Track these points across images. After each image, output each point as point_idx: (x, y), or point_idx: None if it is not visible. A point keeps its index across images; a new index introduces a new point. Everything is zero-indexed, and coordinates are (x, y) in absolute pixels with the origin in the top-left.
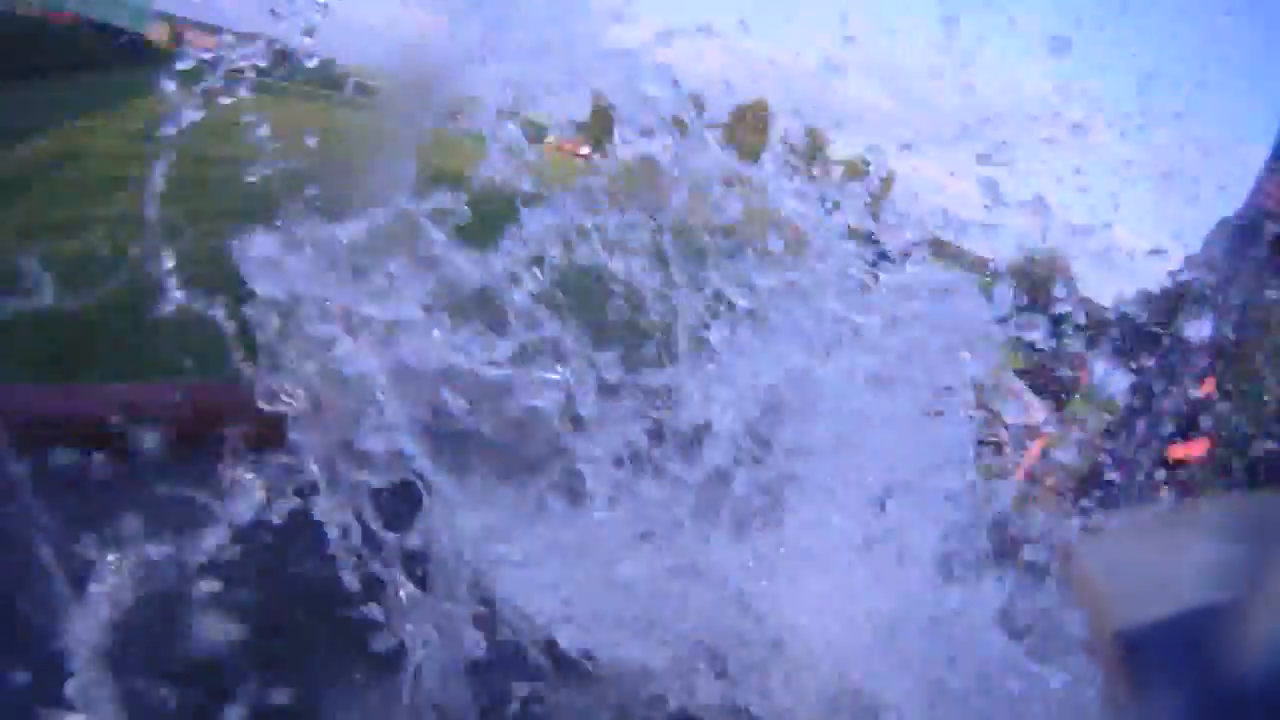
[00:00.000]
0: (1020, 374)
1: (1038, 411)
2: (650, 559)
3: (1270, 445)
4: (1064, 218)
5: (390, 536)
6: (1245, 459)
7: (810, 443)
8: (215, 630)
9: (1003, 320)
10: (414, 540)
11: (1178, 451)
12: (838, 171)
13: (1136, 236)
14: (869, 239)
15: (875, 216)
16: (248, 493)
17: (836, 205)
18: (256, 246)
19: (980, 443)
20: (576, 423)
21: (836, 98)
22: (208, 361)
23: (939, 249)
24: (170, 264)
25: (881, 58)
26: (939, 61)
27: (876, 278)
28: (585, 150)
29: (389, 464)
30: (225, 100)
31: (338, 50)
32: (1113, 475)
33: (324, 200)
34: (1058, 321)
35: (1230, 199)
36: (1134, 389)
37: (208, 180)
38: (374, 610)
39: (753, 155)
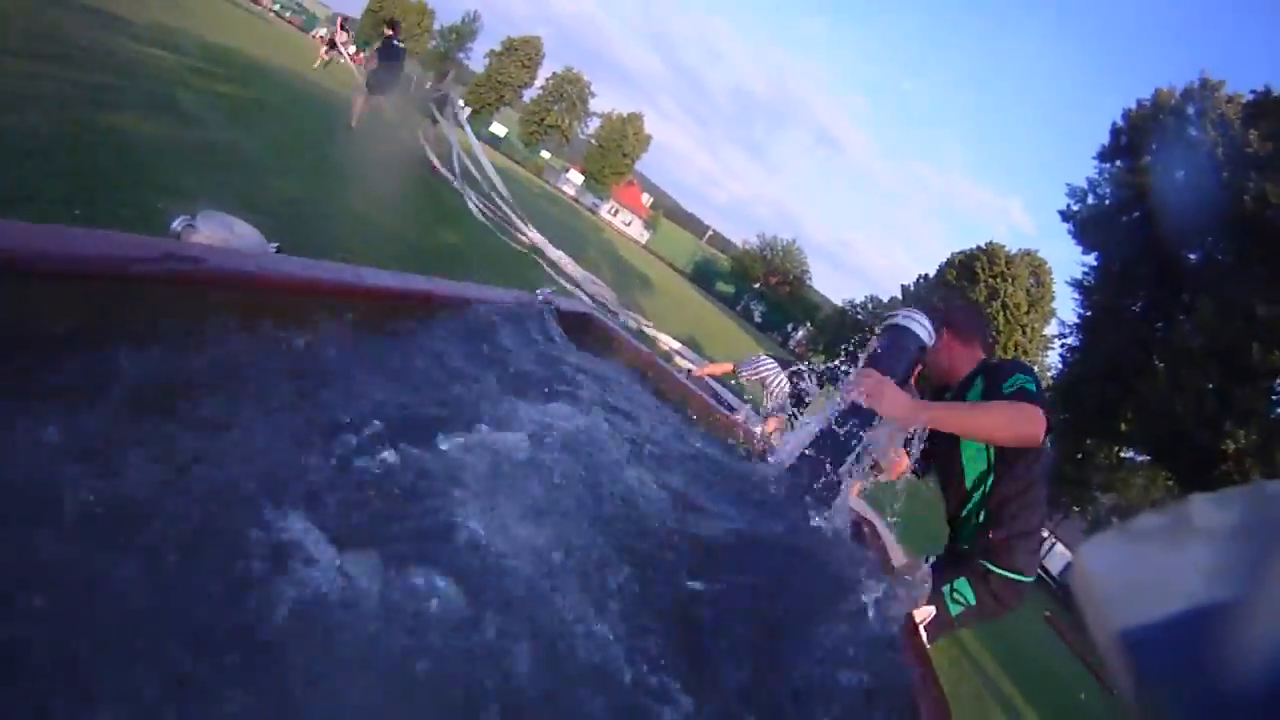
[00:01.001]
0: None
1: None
2: None
3: None
4: (809, 218)
5: None
6: None
7: None
8: None
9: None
10: None
11: None
12: (595, 122)
13: (874, 246)
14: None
15: None
16: None
17: None
18: None
19: None
20: None
21: (612, 53)
22: None
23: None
24: None
25: (662, 26)
26: (719, 44)
27: None
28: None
29: None
30: None
31: None
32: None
33: None
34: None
35: (963, 239)
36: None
37: None
38: None
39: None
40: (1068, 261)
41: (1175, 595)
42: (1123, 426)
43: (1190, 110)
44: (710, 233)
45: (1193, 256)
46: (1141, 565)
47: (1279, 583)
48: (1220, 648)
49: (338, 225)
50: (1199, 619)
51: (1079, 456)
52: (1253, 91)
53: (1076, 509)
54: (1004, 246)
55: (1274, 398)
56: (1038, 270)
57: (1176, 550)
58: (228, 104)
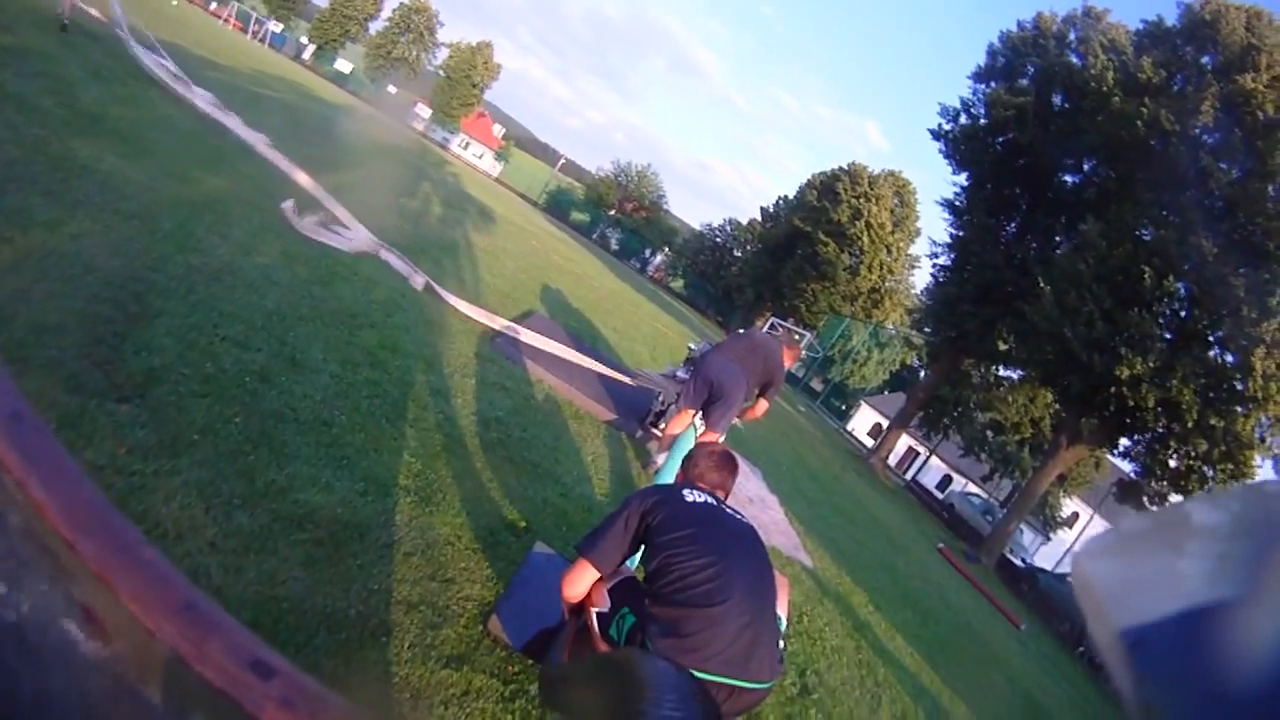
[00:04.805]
0: None
1: None
2: None
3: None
4: (668, 144)
5: None
6: None
7: None
8: None
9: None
10: None
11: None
12: (444, 53)
13: (733, 170)
14: None
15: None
16: None
17: None
18: None
19: None
20: None
21: None
22: None
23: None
24: None
25: None
26: None
27: None
28: None
29: None
30: None
31: None
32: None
33: None
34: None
35: (823, 161)
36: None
37: None
38: None
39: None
40: (931, 184)
41: (1174, 595)
42: (1000, 345)
43: (1072, 36)
44: (563, 160)
45: (1070, 179)
46: (1140, 565)
47: (1278, 582)
48: (1220, 647)
49: None
50: (1198, 619)
51: (956, 377)
52: (1143, 21)
53: (951, 426)
54: (867, 167)
55: (1162, 323)
56: (902, 190)
57: (1175, 550)
58: None
